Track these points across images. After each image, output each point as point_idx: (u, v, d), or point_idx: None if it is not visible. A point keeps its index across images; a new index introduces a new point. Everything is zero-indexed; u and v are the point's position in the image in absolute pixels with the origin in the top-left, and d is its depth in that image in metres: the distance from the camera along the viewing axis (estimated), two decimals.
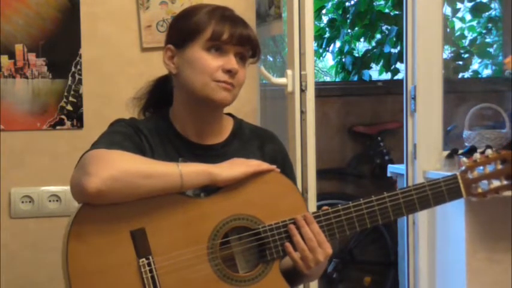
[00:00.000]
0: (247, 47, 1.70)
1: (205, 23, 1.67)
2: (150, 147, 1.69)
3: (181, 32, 1.71)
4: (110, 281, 1.55)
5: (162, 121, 1.75)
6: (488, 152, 1.72)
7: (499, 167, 1.71)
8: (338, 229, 1.66)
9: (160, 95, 1.81)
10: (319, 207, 1.70)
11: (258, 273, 1.63)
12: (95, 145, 1.62)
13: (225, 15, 1.70)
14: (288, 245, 1.63)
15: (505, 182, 1.71)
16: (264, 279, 1.62)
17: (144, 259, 1.56)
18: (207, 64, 1.66)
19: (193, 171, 1.60)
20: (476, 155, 1.72)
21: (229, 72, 1.66)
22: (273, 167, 1.67)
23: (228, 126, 1.79)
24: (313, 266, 1.63)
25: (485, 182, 1.71)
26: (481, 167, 1.71)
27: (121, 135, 1.66)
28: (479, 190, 1.71)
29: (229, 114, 1.84)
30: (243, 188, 1.63)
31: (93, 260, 1.55)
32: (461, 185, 1.71)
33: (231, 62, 1.66)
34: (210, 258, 1.60)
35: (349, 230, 1.66)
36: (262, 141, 1.81)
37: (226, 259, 1.63)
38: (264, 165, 1.66)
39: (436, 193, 1.70)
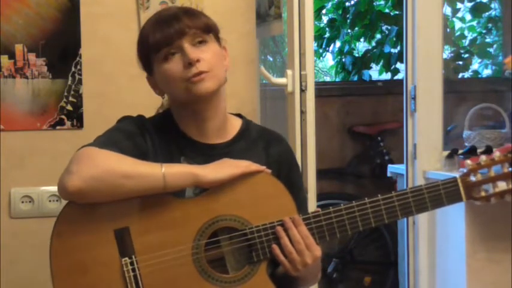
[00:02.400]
0: (192, 31, 1.66)
1: (147, 39, 1.67)
2: (153, 147, 1.69)
3: (142, 59, 1.73)
4: (93, 279, 1.56)
5: (166, 120, 1.75)
6: (496, 154, 1.67)
7: (506, 170, 1.65)
8: (328, 231, 1.62)
9: None
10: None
11: (244, 274, 1.61)
12: (93, 142, 1.64)
13: (157, 21, 1.69)
14: (274, 247, 1.61)
15: (511, 186, 1.65)
16: (250, 281, 1.61)
17: (127, 258, 1.57)
18: (172, 72, 1.65)
19: (176, 172, 1.59)
20: (482, 158, 1.67)
21: (190, 64, 1.64)
22: (263, 167, 1.65)
23: (235, 127, 1.78)
24: (301, 268, 1.61)
25: (489, 185, 1.66)
26: (486, 170, 1.66)
27: (123, 134, 1.66)
28: (483, 194, 1.66)
29: (239, 115, 1.83)
30: (231, 189, 1.62)
31: (76, 258, 1.56)
32: (461, 188, 1.66)
33: (186, 55, 1.64)
34: (194, 258, 1.59)
35: (339, 233, 1.63)
36: (268, 143, 1.80)
37: (215, 260, 1.62)
38: (253, 166, 1.64)
39: (434, 196, 1.64)
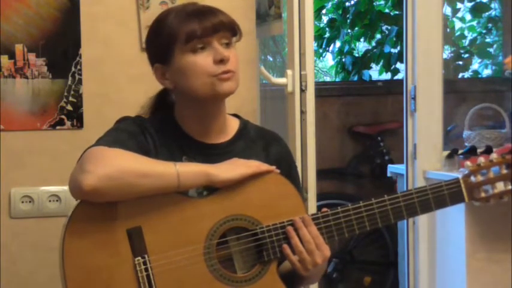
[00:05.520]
0: (224, 31, 1.68)
1: (175, 29, 1.66)
2: (154, 146, 1.69)
3: (159, 48, 1.70)
4: (106, 279, 1.56)
5: (167, 120, 1.75)
6: (493, 156, 1.70)
7: (504, 171, 1.69)
8: (337, 231, 1.64)
9: (163, 107, 1.81)
10: (319, 207, 1.69)
11: (255, 273, 1.62)
12: (98, 141, 1.63)
13: (189, 12, 1.68)
14: (285, 247, 1.62)
15: (510, 187, 1.68)
16: (261, 280, 1.62)
17: (139, 258, 1.56)
18: (199, 65, 1.65)
19: (190, 171, 1.60)
20: (481, 159, 1.70)
21: (222, 61, 1.65)
22: (273, 168, 1.66)
23: (234, 127, 1.79)
24: (311, 268, 1.62)
25: (488, 186, 1.69)
26: (485, 171, 1.69)
27: (126, 134, 1.66)
28: (483, 194, 1.69)
29: (236, 115, 1.84)
30: (241, 189, 1.63)
31: (89, 258, 1.55)
32: (464, 189, 1.68)
33: (219, 51, 1.65)
34: (206, 258, 1.59)
35: (348, 233, 1.65)
36: (267, 143, 1.81)
37: (224, 259, 1.62)
38: (264, 166, 1.65)
39: (438, 197, 1.68)
